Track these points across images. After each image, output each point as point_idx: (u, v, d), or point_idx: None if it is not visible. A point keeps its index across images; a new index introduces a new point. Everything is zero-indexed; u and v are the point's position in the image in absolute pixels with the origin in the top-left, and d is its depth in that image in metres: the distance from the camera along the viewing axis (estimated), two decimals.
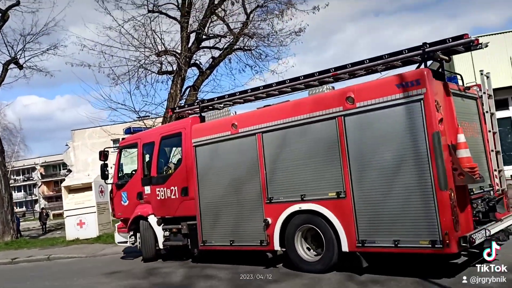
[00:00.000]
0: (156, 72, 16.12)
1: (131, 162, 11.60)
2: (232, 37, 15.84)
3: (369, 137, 6.39)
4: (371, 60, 6.88)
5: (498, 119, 7.42)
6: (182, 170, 9.31)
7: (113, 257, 12.09)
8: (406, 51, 6.53)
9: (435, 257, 6.60)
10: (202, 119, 9.35)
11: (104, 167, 10.84)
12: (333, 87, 7.41)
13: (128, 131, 11.32)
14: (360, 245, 6.41)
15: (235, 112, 8.77)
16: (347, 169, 6.57)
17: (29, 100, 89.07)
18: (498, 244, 6.06)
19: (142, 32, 15.44)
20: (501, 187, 7.03)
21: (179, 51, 15.65)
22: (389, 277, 6.30)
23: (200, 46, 16.42)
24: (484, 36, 17.50)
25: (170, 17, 15.91)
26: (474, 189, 6.31)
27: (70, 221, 16.93)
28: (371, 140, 6.37)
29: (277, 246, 7.48)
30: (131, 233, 10.57)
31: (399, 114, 6.08)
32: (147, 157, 10.38)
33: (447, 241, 5.58)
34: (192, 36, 16.04)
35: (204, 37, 16.16)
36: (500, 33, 17.90)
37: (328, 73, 7.36)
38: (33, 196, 73.85)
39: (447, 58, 6.41)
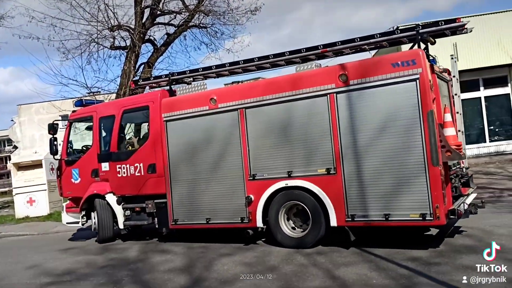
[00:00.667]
0: (109, 47, 15.59)
1: (81, 138, 10.72)
2: (188, 13, 15.41)
3: (362, 114, 6.51)
4: (362, 38, 6.98)
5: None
6: (149, 145, 8.78)
7: (66, 234, 11.55)
8: (399, 31, 6.72)
9: (411, 230, 7.08)
10: (172, 93, 8.88)
11: (53, 141, 9.87)
12: (320, 65, 7.42)
13: (79, 103, 10.40)
14: (350, 219, 6.57)
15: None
16: (338, 146, 6.65)
17: None
18: (471, 213, 6.60)
19: (94, 5, 14.79)
20: (466, 165, 7.65)
21: (133, 27, 15.03)
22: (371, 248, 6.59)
23: (155, 22, 15.89)
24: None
25: None
26: (451, 166, 6.76)
27: (20, 198, 16.50)
28: (364, 118, 6.49)
29: (259, 223, 7.41)
30: (83, 213, 9.82)
31: (394, 92, 6.25)
32: (104, 132, 9.64)
33: (438, 214, 5.93)
34: (147, 12, 15.52)
35: (158, 13, 15.63)
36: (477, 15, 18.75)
37: (316, 49, 7.34)
38: None
39: (433, 40, 6.72)
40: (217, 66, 8.62)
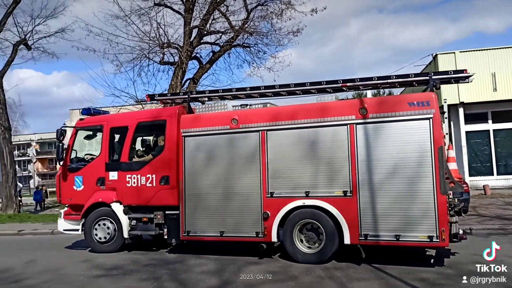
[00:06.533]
0: (158, 62, 16.81)
1: (86, 145, 10.82)
2: (233, 33, 16.47)
3: (379, 145, 7.35)
4: (379, 78, 7.89)
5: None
6: (164, 158, 9.12)
7: None
8: (413, 75, 7.70)
9: (416, 250, 7.93)
10: (190, 110, 9.34)
11: (61, 147, 9.93)
12: (337, 97, 8.24)
13: (87, 111, 10.52)
14: (363, 238, 7.31)
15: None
16: (355, 171, 7.43)
17: (25, 74, 78.93)
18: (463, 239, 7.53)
19: (147, 23, 16.21)
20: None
21: (181, 44, 16.07)
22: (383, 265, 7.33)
23: (202, 41, 17.13)
24: (467, 51, 20.29)
25: (174, 10, 16.60)
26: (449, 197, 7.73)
27: None
28: (380, 148, 7.33)
29: (274, 238, 7.96)
30: (83, 220, 9.87)
31: (410, 128, 7.16)
32: (115, 141, 9.85)
33: (443, 237, 6.80)
34: (195, 31, 16.72)
35: (205, 32, 16.84)
36: (484, 49, 20.35)
37: (336, 83, 8.15)
38: (28, 172, 74.28)
39: (438, 86, 7.76)
40: (237, 90, 9.21)
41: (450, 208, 7.65)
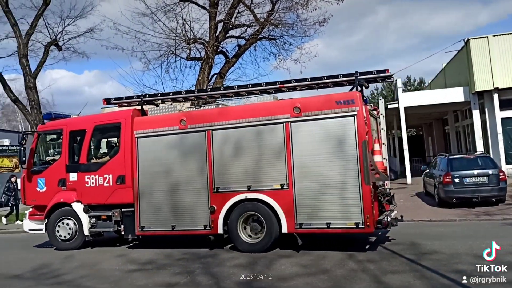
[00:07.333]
0: (185, 58, 17.05)
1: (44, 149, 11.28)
2: (258, 26, 16.46)
3: (310, 140, 7.98)
4: (312, 79, 8.53)
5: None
6: (119, 159, 9.66)
7: None
8: (341, 76, 8.36)
9: (354, 237, 8.57)
10: (143, 113, 9.89)
11: (22, 151, 10.40)
12: (277, 97, 8.87)
13: (47, 116, 11.04)
14: (298, 227, 7.96)
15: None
16: (290, 166, 8.06)
17: (58, 74, 77.72)
18: (393, 225, 8.24)
19: (173, 19, 16.33)
20: (389, 186, 9.37)
21: (207, 39, 16.20)
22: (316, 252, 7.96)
23: (227, 35, 17.17)
24: (500, 35, 19.19)
25: (199, 6, 16.74)
26: (378, 187, 8.41)
27: None
28: (312, 143, 7.97)
29: (220, 230, 8.57)
30: (47, 220, 10.37)
31: (337, 124, 7.81)
32: (74, 144, 10.35)
33: (368, 223, 7.47)
34: (220, 26, 16.77)
35: (231, 26, 16.86)
36: None
37: (275, 85, 8.77)
38: None
39: (367, 85, 8.42)
40: (186, 92, 9.80)
41: (381, 198, 8.38)
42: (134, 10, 17.00)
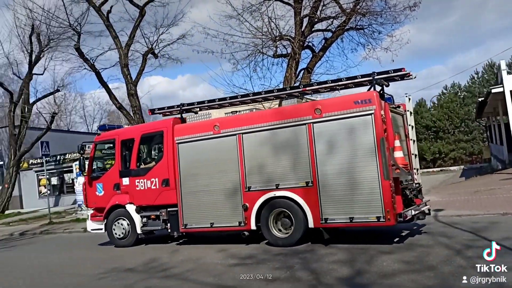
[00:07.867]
0: (272, 56, 17.25)
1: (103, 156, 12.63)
2: (344, 17, 16.33)
3: (332, 140, 8.43)
4: (333, 81, 8.97)
5: None
6: (164, 163, 10.67)
7: None
8: (360, 76, 8.71)
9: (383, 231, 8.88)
10: (183, 121, 10.84)
11: (82, 160, 11.79)
12: (299, 101, 9.41)
13: (102, 127, 12.34)
14: (324, 222, 8.44)
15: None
16: (314, 164, 8.56)
17: (155, 80, 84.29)
18: (419, 219, 8.47)
19: (259, 19, 16.56)
20: (418, 181, 9.54)
21: (293, 35, 16.46)
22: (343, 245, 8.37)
23: (313, 29, 17.27)
24: None
25: (284, 2, 16.87)
26: (403, 181, 8.66)
27: None
28: (333, 142, 8.42)
29: (253, 226, 9.26)
30: (106, 220, 11.65)
31: (355, 123, 8.20)
32: (125, 152, 11.53)
33: (388, 217, 7.79)
34: (305, 20, 16.89)
35: (316, 20, 16.93)
36: None
37: (298, 89, 9.31)
38: None
39: (387, 83, 8.70)
40: (220, 100, 10.59)
41: (408, 193, 8.63)
42: (222, 14, 17.61)
